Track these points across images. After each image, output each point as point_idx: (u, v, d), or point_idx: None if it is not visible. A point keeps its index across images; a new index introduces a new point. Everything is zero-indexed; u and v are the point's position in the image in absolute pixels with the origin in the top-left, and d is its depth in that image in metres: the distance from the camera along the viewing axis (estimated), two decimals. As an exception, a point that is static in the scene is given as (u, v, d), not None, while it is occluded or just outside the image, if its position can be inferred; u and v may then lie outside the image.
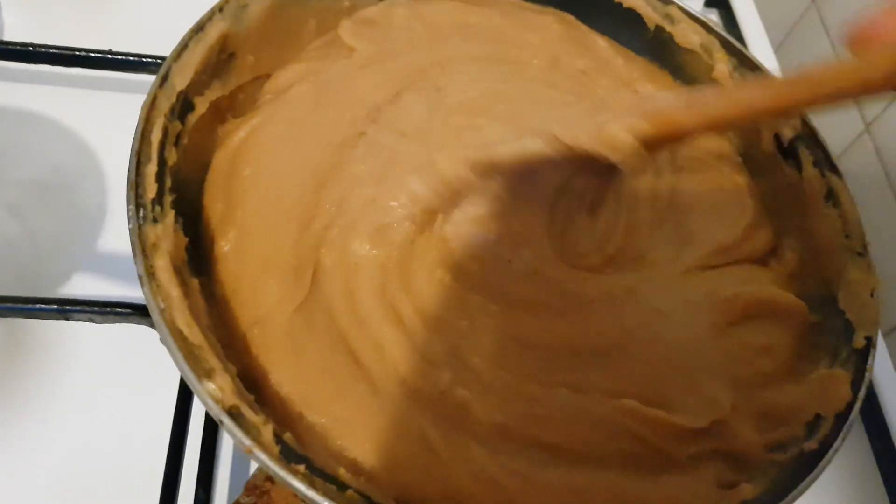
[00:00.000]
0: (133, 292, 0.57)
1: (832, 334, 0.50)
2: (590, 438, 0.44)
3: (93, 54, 0.66)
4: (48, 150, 0.66)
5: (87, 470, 0.52)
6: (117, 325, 0.52)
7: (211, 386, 0.40)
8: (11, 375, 0.54)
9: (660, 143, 0.46)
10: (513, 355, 0.46)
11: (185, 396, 0.52)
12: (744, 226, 0.55)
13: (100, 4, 0.77)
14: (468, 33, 0.60)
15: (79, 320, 0.51)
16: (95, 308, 0.50)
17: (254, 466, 0.53)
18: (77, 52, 0.66)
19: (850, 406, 0.46)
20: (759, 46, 0.83)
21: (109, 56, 0.66)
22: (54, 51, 0.65)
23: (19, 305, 0.51)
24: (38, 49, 0.65)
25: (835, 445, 0.44)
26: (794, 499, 0.43)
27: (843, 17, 0.87)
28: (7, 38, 0.72)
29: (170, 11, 0.71)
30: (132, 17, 0.76)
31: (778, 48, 0.91)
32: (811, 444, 0.45)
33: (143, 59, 0.66)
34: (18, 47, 0.66)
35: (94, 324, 0.52)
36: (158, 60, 0.65)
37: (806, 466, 0.44)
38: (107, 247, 0.61)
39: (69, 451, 0.52)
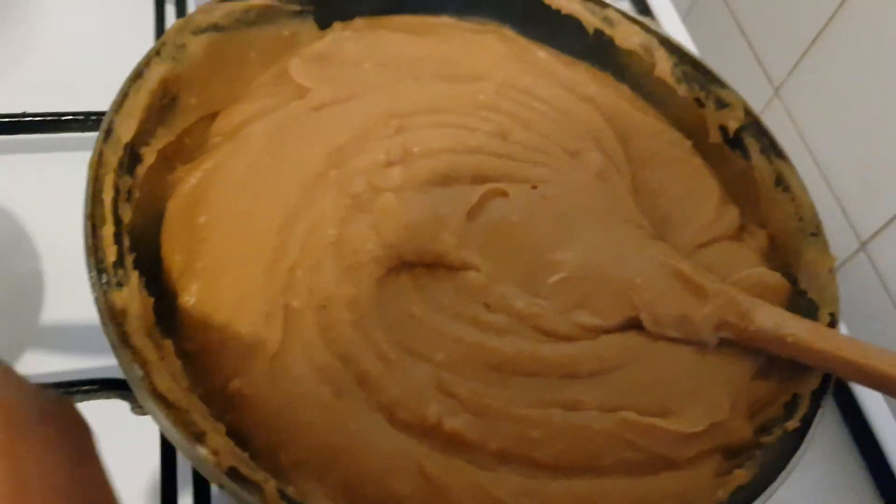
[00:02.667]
0: (93, 363, 0.56)
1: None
2: (589, 452, 0.46)
3: (5, 119, 0.62)
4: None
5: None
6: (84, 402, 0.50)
7: (204, 451, 0.40)
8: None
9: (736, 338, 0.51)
10: (497, 383, 0.48)
11: (168, 467, 0.50)
12: (714, 204, 0.59)
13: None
14: (419, 71, 0.61)
15: (42, 406, 0.49)
16: (61, 390, 0.49)
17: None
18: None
19: (824, 382, 0.49)
20: (668, 19, 0.89)
21: (26, 119, 0.62)
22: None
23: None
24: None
25: (815, 421, 0.48)
26: (786, 477, 0.45)
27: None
28: None
29: (82, 64, 0.71)
30: (43, 74, 0.72)
31: (685, 17, 0.97)
32: (794, 423, 0.48)
33: (62, 118, 0.63)
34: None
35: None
36: (80, 117, 0.62)
37: (791, 445, 0.47)
38: (53, 317, 0.58)
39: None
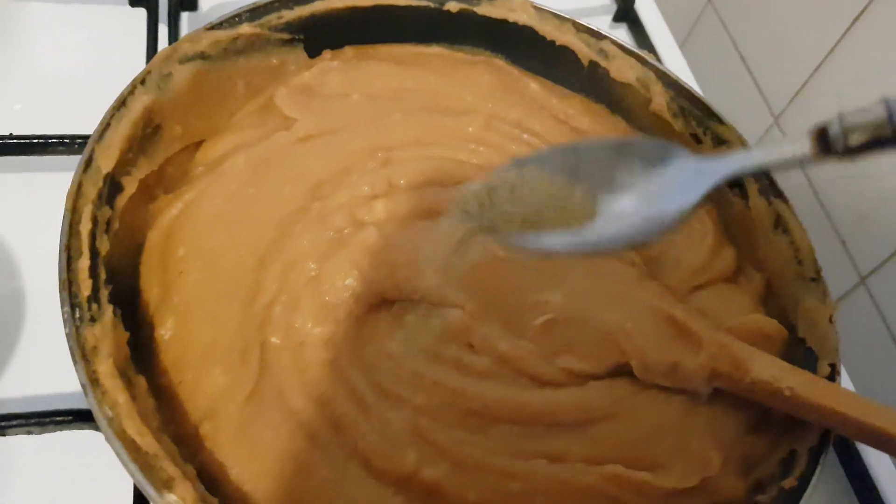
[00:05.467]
0: (70, 389, 0.55)
1: (796, 365, 0.51)
2: None
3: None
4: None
5: None
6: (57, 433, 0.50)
7: (172, 497, 0.40)
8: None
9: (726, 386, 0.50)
10: (477, 430, 0.47)
11: (141, 501, 0.50)
12: (709, 245, 0.58)
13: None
14: (406, 103, 0.61)
15: (16, 434, 0.49)
16: (33, 420, 0.48)
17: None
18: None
19: (823, 439, 0.48)
20: (666, 46, 0.89)
21: (11, 142, 0.62)
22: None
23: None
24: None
25: (812, 481, 0.46)
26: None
27: (736, 10, 0.93)
28: None
29: (71, 87, 0.71)
30: (30, 96, 0.71)
31: (683, 44, 0.97)
32: (790, 482, 0.47)
33: (49, 141, 0.62)
34: None
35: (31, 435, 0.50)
36: (66, 140, 0.62)
37: (787, 504, 0.46)
38: (32, 339, 0.57)
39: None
